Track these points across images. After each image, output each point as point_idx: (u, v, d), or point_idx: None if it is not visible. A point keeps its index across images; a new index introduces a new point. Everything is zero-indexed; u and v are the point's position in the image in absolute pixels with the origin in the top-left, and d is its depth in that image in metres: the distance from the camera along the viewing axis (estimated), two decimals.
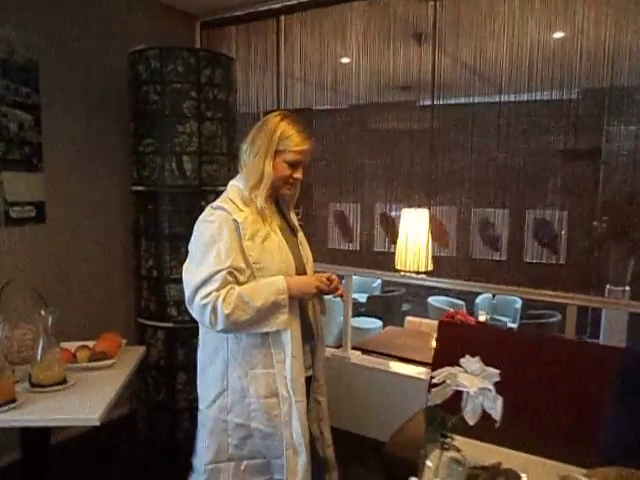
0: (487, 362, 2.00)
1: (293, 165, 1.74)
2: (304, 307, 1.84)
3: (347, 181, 8.31)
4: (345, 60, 4.54)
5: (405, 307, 6.53)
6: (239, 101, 3.93)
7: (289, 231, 1.89)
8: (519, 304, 6.25)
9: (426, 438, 1.19)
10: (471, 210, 7.00)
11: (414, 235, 2.98)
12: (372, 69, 4.74)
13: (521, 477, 1.30)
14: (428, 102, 6.73)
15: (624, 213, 6.17)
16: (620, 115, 6.09)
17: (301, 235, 1.96)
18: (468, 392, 1.13)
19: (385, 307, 6.30)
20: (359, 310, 6.36)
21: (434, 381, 1.21)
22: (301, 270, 1.81)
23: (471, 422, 1.16)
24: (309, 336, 1.88)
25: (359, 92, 6.42)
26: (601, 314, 4.80)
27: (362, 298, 6.72)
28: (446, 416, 1.15)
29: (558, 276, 6.43)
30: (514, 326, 5.94)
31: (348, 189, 8.36)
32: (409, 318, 4.57)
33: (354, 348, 3.91)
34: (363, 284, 7.16)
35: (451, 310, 4.69)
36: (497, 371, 1.17)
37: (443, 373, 1.20)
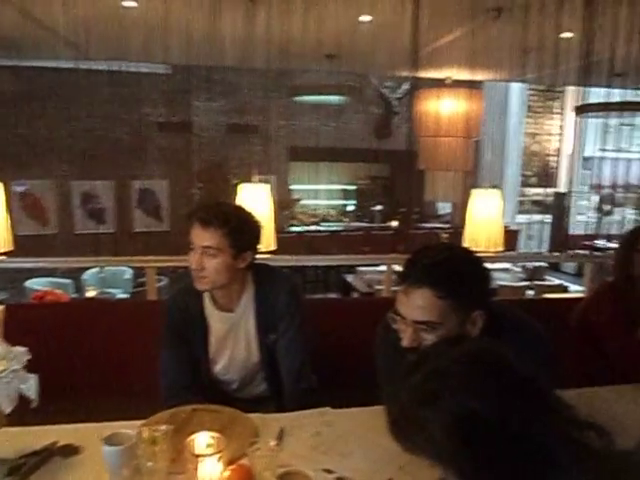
0: (59, 337, 1.91)
1: None
2: None
3: None
4: None
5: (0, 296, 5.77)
6: None
7: None
8: (129, 274, 6.34)
9: None
10: (71, 183, 6.63)
11: None
12: None
13: (78, 449, 1.30)
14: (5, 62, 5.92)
15: (215, 180, 6.95)
16: (205, 92, 6.71)
17: None
18: None
19: None
20: None
21: None
22: None
23: (7, 409, 1.08)
24: None
25: None
26: None
27: None
28: None
29: (165, 242, 6.81)
30: (126, 296, 6.01)
31: None
32: None
33: None
34: None
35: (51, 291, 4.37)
36: (24, 349, 1.12)
37: None
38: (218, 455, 1.09)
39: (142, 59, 5.86)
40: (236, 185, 3.06)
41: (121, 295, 6.04)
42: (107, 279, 6.24)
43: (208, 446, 1.14)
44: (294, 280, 1.70)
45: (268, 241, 2.84)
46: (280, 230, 3.51)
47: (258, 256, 1.67)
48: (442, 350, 0.86)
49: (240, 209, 1.63)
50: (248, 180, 3.07)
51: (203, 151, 6.91)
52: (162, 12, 3.48)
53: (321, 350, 1.72)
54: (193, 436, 1.14)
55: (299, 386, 1.61)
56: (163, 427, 1.18)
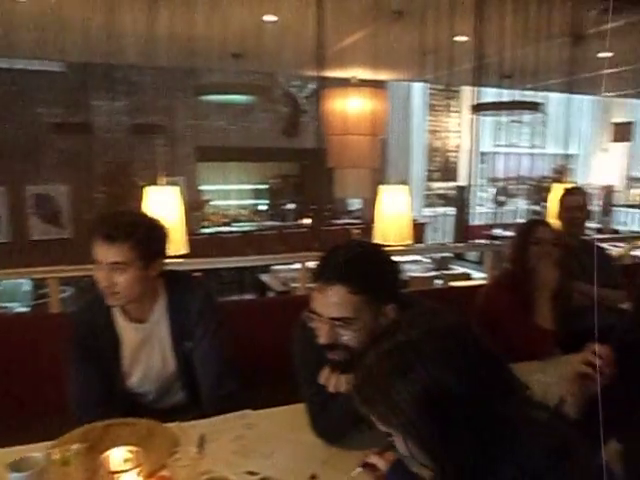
0: None
1: None
2: None
3: None
4: None
5: None
6: None
7: None
8: (29, 286, 5.92)
9: None
10: None
11: None
12: None
13: None
14: None
15: (120, 183, 6.64)
16: (107, 91, 6.37)
17: None
18: None
19: None
20: None
21: None
22: None
23: None
24: None
25: None
26: None
27: None
28: None
29: (67, 250, 6.40)
30: (25, 310, 5.60)
31: None
32: None
33: None
34: None
35: None
36: None
37: None
38: (136, 469, 1.06)
39: (34, 56, 5.48)
40: (142, 188, 2.94)
41: (20, 309, 5.63)
42: (3, 293, 5.80)
43: (125, 461, 1.10)
44: (207, 286, 1.68)
45: (179, 244, 2.77)
46: (191, 232, 3.43)
47: (170, 261, 1.63)
48: (414, 320, 0.86)
49: (144, 216, 1.57)
50: (155, 182, 2.95)
51: (106, 153, 6.57)
52: (55, 7, 3.27)
53: (239, 352, 1.71)
54: (108, 452, 1.10)
55: (218, 392, 1.58)
56: (75, 446, 1.13)
